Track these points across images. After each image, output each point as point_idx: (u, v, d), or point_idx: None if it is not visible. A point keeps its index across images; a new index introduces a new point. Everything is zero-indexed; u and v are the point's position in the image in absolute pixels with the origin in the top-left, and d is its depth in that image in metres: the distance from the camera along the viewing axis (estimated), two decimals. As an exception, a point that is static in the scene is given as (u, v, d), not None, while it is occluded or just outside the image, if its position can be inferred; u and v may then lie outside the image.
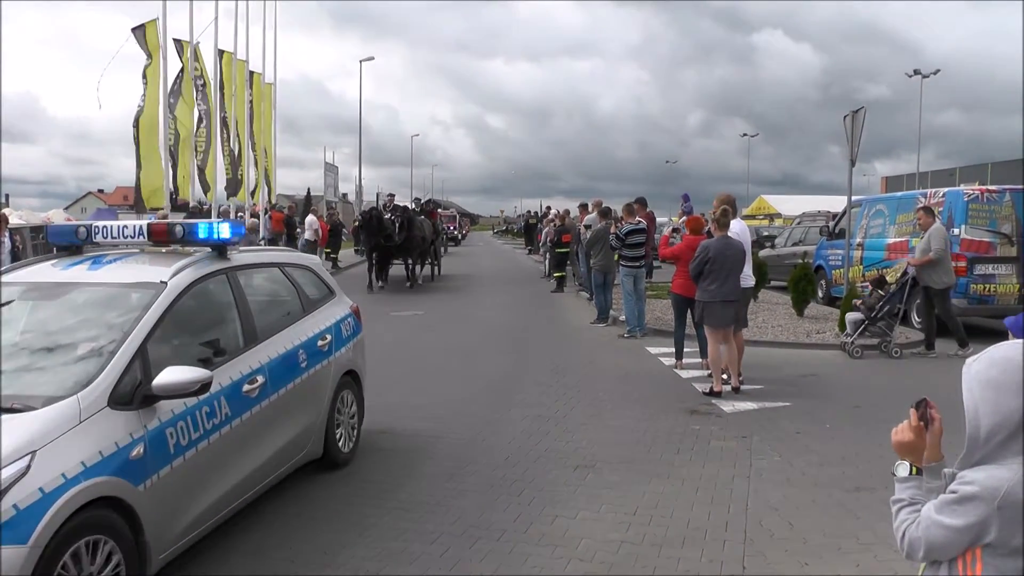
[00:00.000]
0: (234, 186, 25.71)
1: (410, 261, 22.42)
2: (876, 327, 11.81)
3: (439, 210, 38.79)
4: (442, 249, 29.91)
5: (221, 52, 24.78)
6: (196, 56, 22.87)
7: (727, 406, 8.58)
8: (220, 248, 5.43)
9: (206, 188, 23.90)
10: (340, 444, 6.44)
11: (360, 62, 47.75)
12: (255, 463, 5.07)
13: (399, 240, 20.96)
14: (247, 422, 4.96)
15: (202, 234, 5.29)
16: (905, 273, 12.00)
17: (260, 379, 5.15)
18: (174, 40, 21.84)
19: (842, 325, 12.84)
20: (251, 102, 28.20)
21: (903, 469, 2.26)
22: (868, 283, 12.93)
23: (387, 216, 21.89)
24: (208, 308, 5.20)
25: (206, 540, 4.70)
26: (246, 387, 4.99)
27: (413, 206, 25.46)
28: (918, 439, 2.23)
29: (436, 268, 26.00)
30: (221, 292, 5.34)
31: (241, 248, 5.90)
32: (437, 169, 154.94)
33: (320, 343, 6.18)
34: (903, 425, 2.26)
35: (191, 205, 23.74)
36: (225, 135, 25.47)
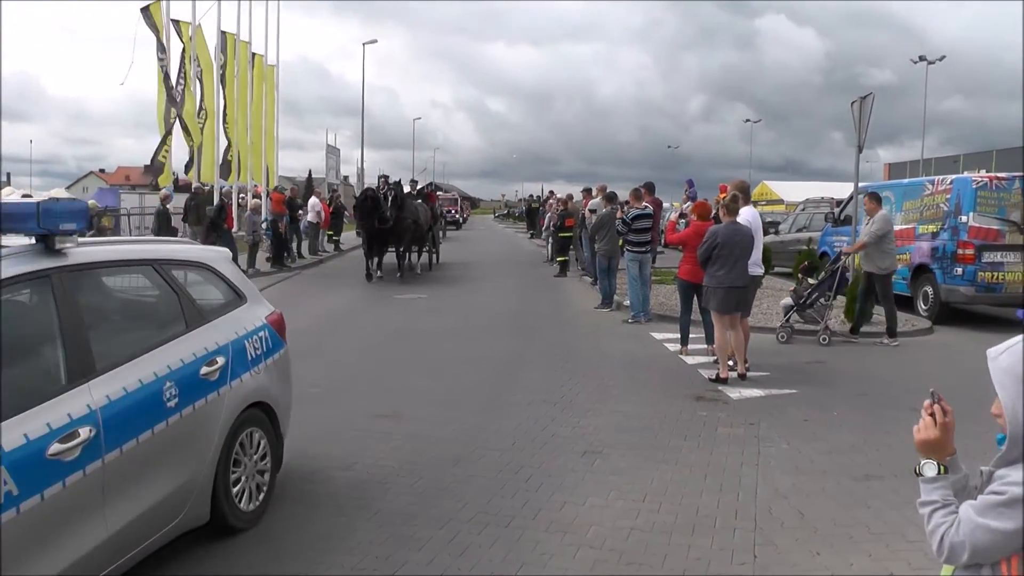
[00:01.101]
0: (227, 169, 25.72)
1: (401, 248, 20.63)
2: (806, 313, 11.96)
3: (439, 193, 38.31)
4: (440, 235, 28.30)
5: (224, 34, 24.69)
6: (197, 38, 22.81)
7: (733, 393, 8.56)
8: (47, 239, 3.85)
9: (205, 169, 23.90)
10: (239, 502, 4.88)
11: (363, 45, 47.67)
12: (81, 550, 3.56)
13: (390, 219, 19.35)
14: (59, 497, 3.43)
15: (23, 220, 3.72)
16: (837, 260, 12.11)
17: (86, 432, 3.58)
18: (173, 21, 21.76)
19: (848, 312, 12.81)
20: (253, 84, 28.16)
21: (930, 469, 2.13)
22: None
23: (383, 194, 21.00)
24: (11, 328, 3.53)
25: (209, 537, 4.66)
26: (55, 447, 3.43)
27: (409, 189, 23.65)
28: (940, 436, 2.13)
29: (434, 256, 24.29)
30: (37, 304, 3.88)
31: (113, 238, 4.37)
32: (438, 152, 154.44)
33: (206, 370, 4.59)
34: (926, 422, 2.14)
35: (194, 186, 23.69)
36: (224, 117, 25.44)
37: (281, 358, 5.64)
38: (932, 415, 2.14)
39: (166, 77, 21.32)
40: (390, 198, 19.43)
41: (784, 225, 24.24)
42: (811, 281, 12.26)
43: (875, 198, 12.29)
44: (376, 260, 20.21)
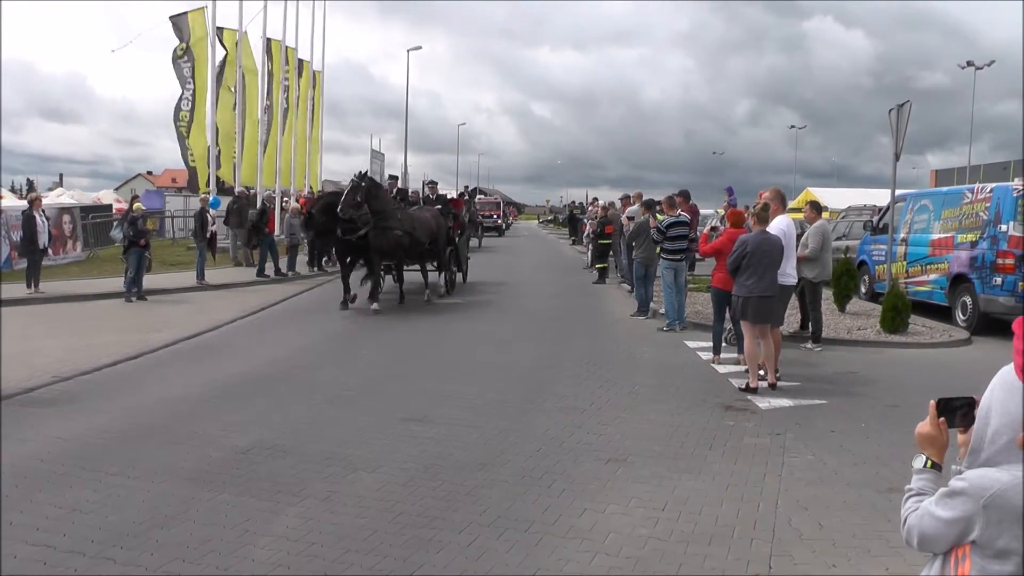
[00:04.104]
0: (270, 173, 26.18)
1: (391, 266, 16.46)
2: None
3: (480, 196, 37.70)
4: (467, 250, 22.17)
5: (269, 41, 25.07)
6: (243, 45, 23.22)
7: (763, 403, 8.56)
8: None
9: (247, 173, 24.31)
10: None
11: (408, 51, 48.08)
12: None
13: (360, 224, 14.61)
14: None
15: None
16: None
17: None
18: (218, 29, 22.16)
19: (883, 322, 12.72)
20: (300, 89, 28.61)
21: (919, 461, 2.30)
22: None
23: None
24: None
25: (223, 528, 4.81)
26: None
27: (428, 192, 19.77)
28: (938, 434, 2.26)
29: (455, 277, 19.30)
30: None
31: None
32: (483, 158, 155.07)
33: None
34: (928, 417, 2.29)
35: (237, 190, 24.09)
36: (269, 123, 25.88)
37: None
38: (948, 422, 2.25)
39: (185, 80, 21.79)
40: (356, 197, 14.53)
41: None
42: None
43: (816, 207, 12.86)
44: (368, 280, 15.66)
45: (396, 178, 19.64)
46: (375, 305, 15.03)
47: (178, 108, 22.83)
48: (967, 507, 1.98)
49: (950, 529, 2.03)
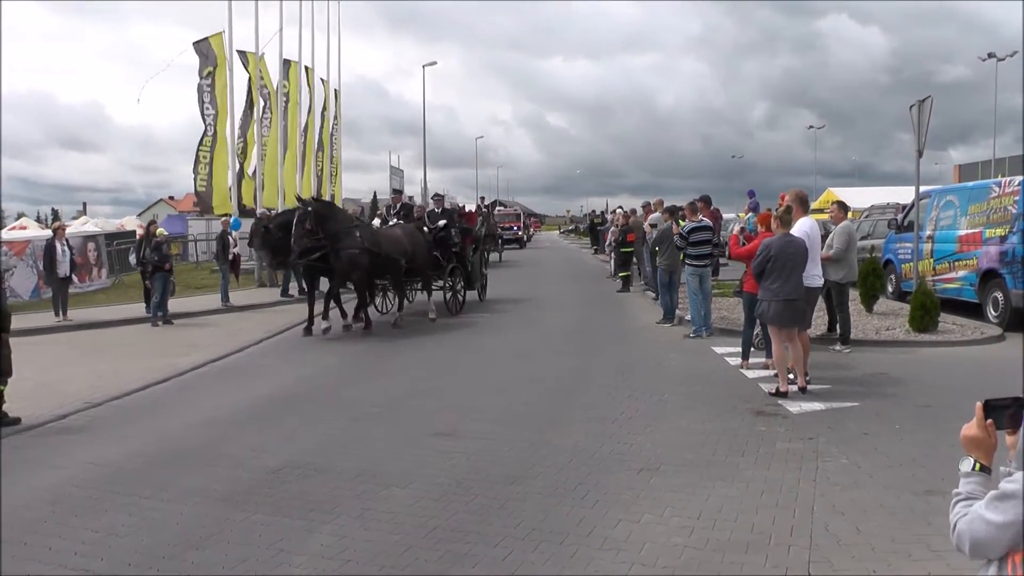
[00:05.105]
0: (291, 193, 26.34)
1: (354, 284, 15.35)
2: None
3: (500, 208, 37.07)
4: (484, 266, 21.11)
5: (287, 62, 25.28)
6: (261, 67, 23.45)
7: (793, 407, 8.48)
8: None
9: (269, 194, 24.47)
10: None
11: (423, 67, 48.32)
12: None
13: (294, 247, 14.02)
14: None
15: None
16: None
17: None
18: (238, 52, 22.38)
19: (912, 321, 12.59)
20: (323, 109, 28.85)
21: (966, 464, 2.24)
22: None
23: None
24: None
25: (258, 548, 4.81)
26: None
27: (433, 206, 18.54)
28: (985, 436, 2.21)
29: (464, 295, 17.92)
30: None
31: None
32: (501, 169, 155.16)
33: None
34: (973, 420, 2.24)
35: (259, 212, 24.25)
36: (288, 143, 26.08)
37: None
38: (999, 424, 2.21)
39: (204, 104, 21.99)
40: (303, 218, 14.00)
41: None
42: None
43: (843, 207, 12.68)
44: (343, 303, 15.43)
45: (400, 192, 19.03)
46: (347, 320, 15.02)
47: (204, 133, 23.05)
48: (1020, 510, 1.94)
49: (1003, 533, 1.98)
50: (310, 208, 14.21)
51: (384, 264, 14.95)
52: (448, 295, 17.20)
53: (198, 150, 23.13)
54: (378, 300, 17.12)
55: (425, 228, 16.94)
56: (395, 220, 17.24)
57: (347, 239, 14.30)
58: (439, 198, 19.69)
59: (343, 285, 15.69)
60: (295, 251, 14.17)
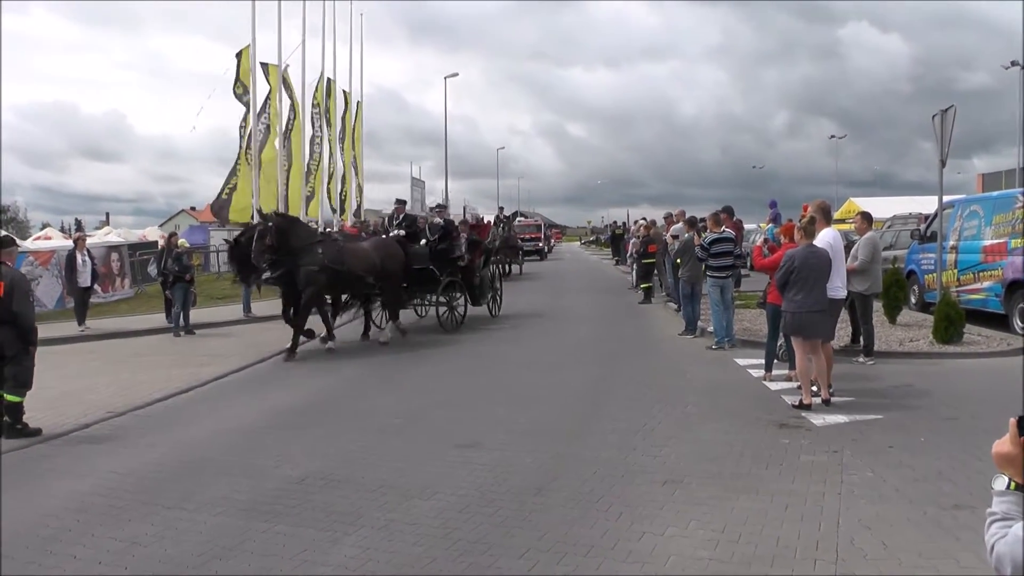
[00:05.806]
0: (314, 203, 26.47)
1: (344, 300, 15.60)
2: None
3: (520, 218, 36.63)
4: (496, 280, 19.90)
5: (309, 73, 25.43)
6: (285, 79, 23.57)
7: (817, 419, 8.41)
8: None
9: (292, 204, 24.55)
10: None
11: (445, 78, 48.40)
12: None
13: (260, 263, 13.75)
14: None
15: None
16: None
17: None
18: (261, 64, 22.54)
19: (936, 332, 12.48)
20: (344, 121, 29.02)
21: (1000, 483, 2.15)
22: None
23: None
24: None
25: (281, 559, 4.81)
26: None
27: (439, 220, 17.48)
28: (1018, 453, 2.11)
29: (456, 313, 16.76)
30: None
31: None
32: (522, 180, 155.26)
33: None
34: (1009, 436, 2.14)
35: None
36: (312, 154, 26.25)
37: None
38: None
39: (248, 117, 22.07)
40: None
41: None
42: None
43: (867, 218, 12.49)
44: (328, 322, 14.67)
45: (404, 202, 18.36)
46: (329, 343, 14.35)
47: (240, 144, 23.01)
48: None
49: None
50: (270, 223, 13.96)
51: (348, 281, 14.63)
52: (443, 311, 16.44)
53: (236, 164, 22.95)
54: (375, 314, 16.57)
55: (424, 240, 16.56)
56: (396, 231, 16.86)
57: (307, 255, 13.95)
58: (442, 209, 19.25)
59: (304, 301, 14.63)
60: (257, 266, 13.84)
